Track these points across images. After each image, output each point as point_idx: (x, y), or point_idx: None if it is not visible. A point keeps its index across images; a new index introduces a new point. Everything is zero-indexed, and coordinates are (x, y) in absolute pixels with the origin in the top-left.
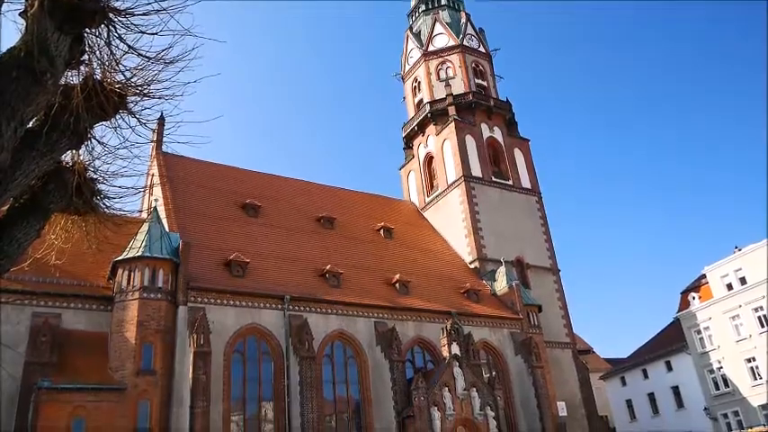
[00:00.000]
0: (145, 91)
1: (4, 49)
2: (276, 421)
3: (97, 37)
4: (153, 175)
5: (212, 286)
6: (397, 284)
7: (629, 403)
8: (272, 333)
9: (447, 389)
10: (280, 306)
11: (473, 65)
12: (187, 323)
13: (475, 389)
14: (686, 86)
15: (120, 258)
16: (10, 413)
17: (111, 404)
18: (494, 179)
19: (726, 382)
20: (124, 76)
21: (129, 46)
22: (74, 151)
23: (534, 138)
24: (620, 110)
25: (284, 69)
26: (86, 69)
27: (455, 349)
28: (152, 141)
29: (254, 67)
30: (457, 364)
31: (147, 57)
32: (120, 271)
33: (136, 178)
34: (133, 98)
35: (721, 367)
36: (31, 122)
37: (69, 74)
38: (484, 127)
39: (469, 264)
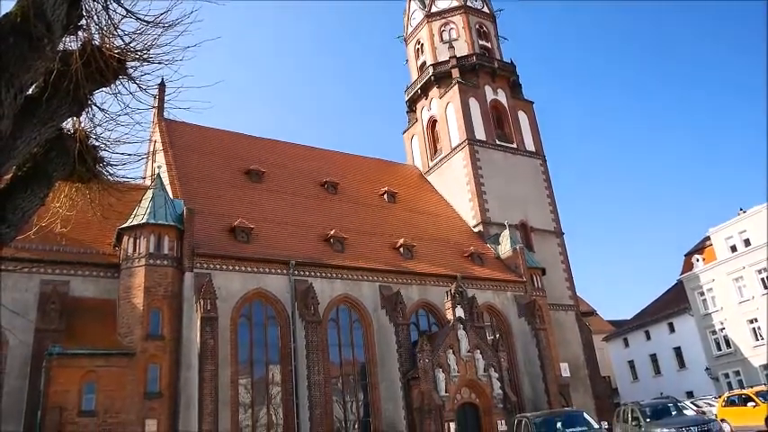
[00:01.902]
0: (144, 56)
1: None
2: (283, 383)
3: (94, 1)
4: (155, 141)
5: (217, 252)
6: (402, 249)
7: (631, 364)
8: (278, 298)
9: (451, 351)
10: (285, 271)
11: (477, 26)
12: (193, 289)
13: (479, 351)
14: (692, 48)
15: (125, 226)
16: (23, 378)
17: (121, 369)
18: (498, 142)
19: (727, 342)
20: (123, 40)
21: (127, 10)
22: (75, 118)
23: (538, 100)
24: (624, 71)
25: (285, 33)
26: (84, 34)
27: (459, 312)
28: (153, 107)
29: (254, 32)
30: (461, 326)
31: (145, 21)
32: (125, 238)
33: (138, 145)
34: (133, 63)
35: (723, 328)
36: (30, 89)
37: (67, 39)
38: (488, 89)
39: (473, 227)
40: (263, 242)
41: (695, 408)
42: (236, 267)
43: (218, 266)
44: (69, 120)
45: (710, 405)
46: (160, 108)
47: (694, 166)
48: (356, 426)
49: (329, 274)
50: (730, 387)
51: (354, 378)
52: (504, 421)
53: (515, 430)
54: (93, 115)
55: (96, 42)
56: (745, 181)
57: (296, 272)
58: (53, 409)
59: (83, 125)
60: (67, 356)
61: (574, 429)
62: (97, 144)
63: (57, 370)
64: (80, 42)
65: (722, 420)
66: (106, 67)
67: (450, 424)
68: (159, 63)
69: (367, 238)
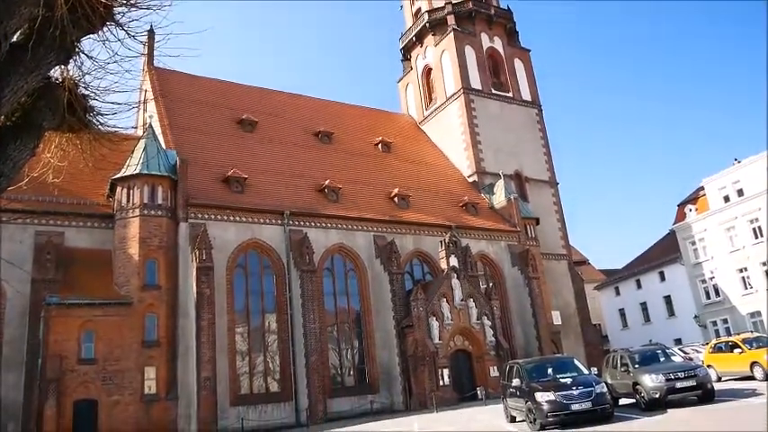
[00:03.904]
0: (132, 1)
1: None
2: (279, 332)
3: None
4: (146, 90)
5: (212, 202)
6: (396, 198)
7: (621, 312)
8: (273, 248)
9: (445, 300)
10: (280, 221)
11: None
12: (189, 239)
13: (472, 299)
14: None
15: (118, 176)
16: (22, 328)
17: (119, 318)
18: (493, 91)
19: (717, 291)
20: None
21: None
22: (62, 66)
23: (535, 48)
24: (620, 19)
25: None
26: None
27: (453, 261)
28: (142, 55)
29: None
30: (455, 275)
31: None
32: (119, 189)
33: (128, 94)
34: (120, 9)
35: (713, 277)
36: (15, 36)
37: None
38: (484, 37)
39: (468, 177)
40: (257, 192)
41: (683, 354)
42: (231, 217)
43: (212, 217)
44: (57, 68)
45: (698, 352)
46: (150, 56)
47: (689, 116)
48: (351, 372)
49: (324, 224)
50: (718, 334)
51: (349, 326)
52: (496, 367)
53: (507, 376)
54: (82, 63)
55: None
56: (741, 131)
57: (291, 222)
58: (53, 357)
59: (71, 73)
60: (65, 306)
61: (564, 375)
62: (86, 93)
63: (55, 319)
64: None
65: (709, 366)
66: (92, 12)
67: (444, 370)
68: (147, 8)
69: (361, 188)
